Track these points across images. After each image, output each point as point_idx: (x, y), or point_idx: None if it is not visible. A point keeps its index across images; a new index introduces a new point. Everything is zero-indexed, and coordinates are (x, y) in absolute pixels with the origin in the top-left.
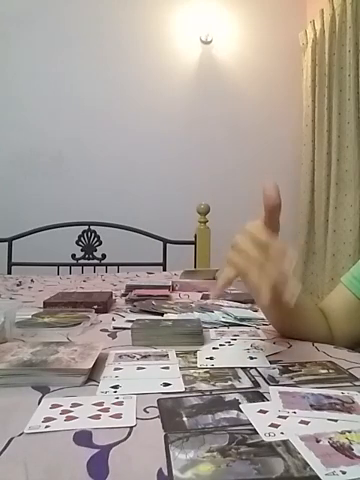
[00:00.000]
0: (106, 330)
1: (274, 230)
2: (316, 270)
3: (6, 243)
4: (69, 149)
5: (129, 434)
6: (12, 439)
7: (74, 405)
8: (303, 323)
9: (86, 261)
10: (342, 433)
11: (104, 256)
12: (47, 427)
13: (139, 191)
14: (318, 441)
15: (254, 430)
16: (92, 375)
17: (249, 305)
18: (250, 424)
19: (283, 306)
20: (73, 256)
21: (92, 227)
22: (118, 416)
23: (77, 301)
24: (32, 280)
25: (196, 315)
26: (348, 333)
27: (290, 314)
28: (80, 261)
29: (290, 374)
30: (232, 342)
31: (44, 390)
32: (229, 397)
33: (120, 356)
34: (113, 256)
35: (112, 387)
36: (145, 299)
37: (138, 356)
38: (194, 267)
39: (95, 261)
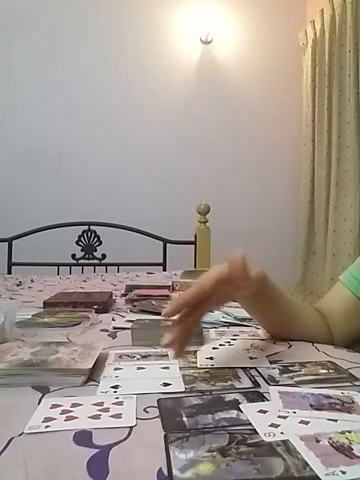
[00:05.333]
0: (106, 330)
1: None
2: (316, 270)
3: (6, 243)
4: (69, 149)
5: (129, 434)
6: (12, 439)
7: (74, 405)
8: (301, 331)
9: (86, 261)
10: (342, 433)
11: (104, 256)
12: (47, 427)
13: (139, 191)
14: (318, 441)
15: (254, 430)
16: (92, 375)
17: None
18: (250, 424)
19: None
20: (73, 256)
21: (92, 227)
22: (118, 416)
23: (77, 301)
24: (32, 280)
25: None
26: (347, 332)
27: (288, 323)
28: (80, 261)
29: (290, 374)
30: (232, 342)
31: (44, 390)
32: (229, 397)
33: (120, 356)
34: (113, 256)
35: (112, 387)
36: (145, 299)
37: (138, 356)
38: (194, 267)
39: (95, 261)
